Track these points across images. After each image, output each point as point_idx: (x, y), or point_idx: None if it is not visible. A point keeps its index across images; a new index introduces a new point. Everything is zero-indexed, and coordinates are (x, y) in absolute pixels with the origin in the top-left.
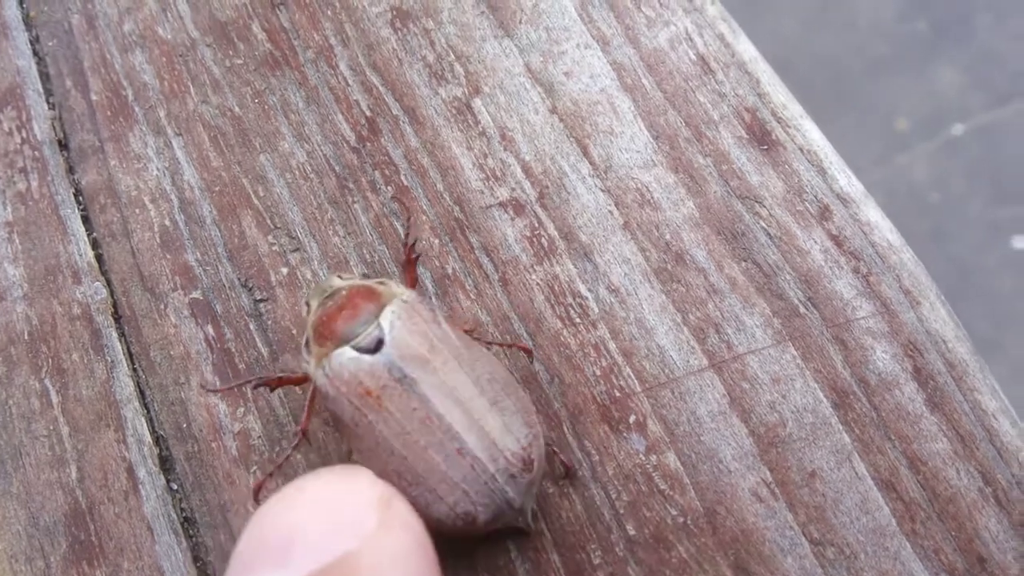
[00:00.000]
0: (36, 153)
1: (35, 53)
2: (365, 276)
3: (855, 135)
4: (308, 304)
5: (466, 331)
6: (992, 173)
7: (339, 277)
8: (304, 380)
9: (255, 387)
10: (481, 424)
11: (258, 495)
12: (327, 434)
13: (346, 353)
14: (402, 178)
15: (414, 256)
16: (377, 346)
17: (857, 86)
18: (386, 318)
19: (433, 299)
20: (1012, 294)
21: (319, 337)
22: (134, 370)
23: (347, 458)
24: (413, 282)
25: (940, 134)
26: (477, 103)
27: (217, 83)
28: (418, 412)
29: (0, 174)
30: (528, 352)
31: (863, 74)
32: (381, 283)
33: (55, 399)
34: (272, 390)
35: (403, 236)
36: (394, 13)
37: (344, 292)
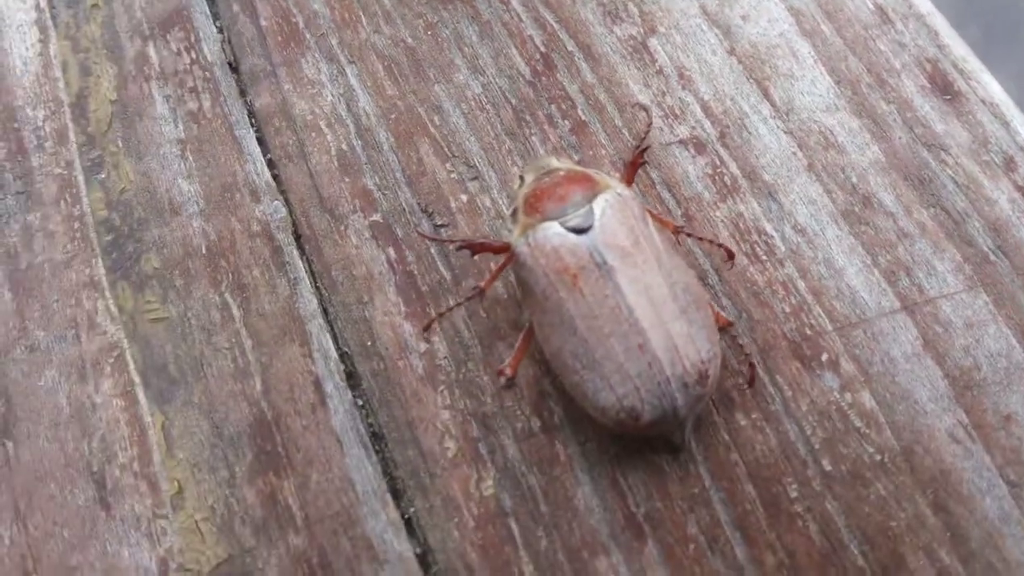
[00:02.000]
0: (207, 74)
1: None
2: (582, 163)
3: None
4: (522, 177)
5: (676, 228)
6: None
7: (557, 159)
8: (504, 250)
9: (458, 248)
10: (668, 327)
11: (427, 330)
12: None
13: (554, 228)
14: (579, 113)
15: (641, 160)
16: (585, 229)
17: None
18: (599, 204)
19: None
20: None
21: (529, 209)
22: (316, 288)
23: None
24: (631, 181)
25: None
26: (653, 42)
27: (388, 14)
28: (609, 300)
29: (170, 92)
30: (729, 254)
31: None
32: (598, 173)
33: (236, 313)
34: (473, 254)
35: (640, 137)
36: None
37: (562, 172)
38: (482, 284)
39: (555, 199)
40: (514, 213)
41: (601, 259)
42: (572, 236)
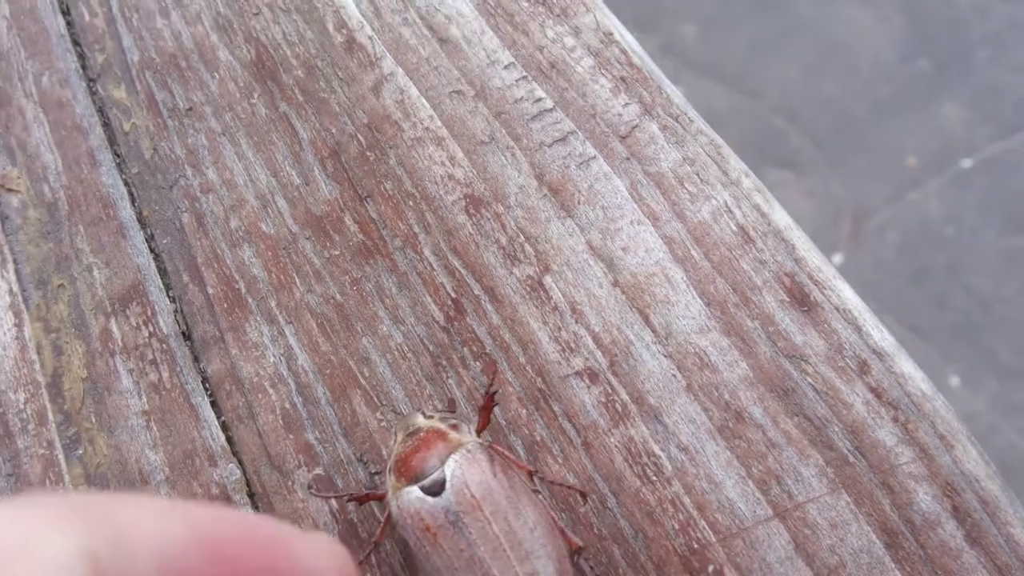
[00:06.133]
0: (163, 345)
1: (152, 250)
2: (443, 417)
3: (866, 175)
4: (396, 435)
5: (530, 472)
6: (1004, 203)
7: (423, 414)
8: (383, 497)
9: (347, 501)
10: (517, 570)
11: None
12: None
13: (414, 492)
14: (488, 353)
15: (492, 404)
16: (440, 488)
17: (865, 127)
18: (450, 465)
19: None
20: None
21: (396, 472)
22: None
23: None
24: (484, 426)
25: (950, 169)
26: (548, 280)
27: (319, 273)
28: (465, 552)
29: (133, 366)
30: (583, 496)
31: (870, 115)
32: (455, 426)
33: None
34: (360, 504)
35: (487, 386)
36: (467, 201)
37: (422, 434)
38: (375, 538)
39: (415, 462)
40: (390, 471)
41: (454, 517)
42: (429, 499)
